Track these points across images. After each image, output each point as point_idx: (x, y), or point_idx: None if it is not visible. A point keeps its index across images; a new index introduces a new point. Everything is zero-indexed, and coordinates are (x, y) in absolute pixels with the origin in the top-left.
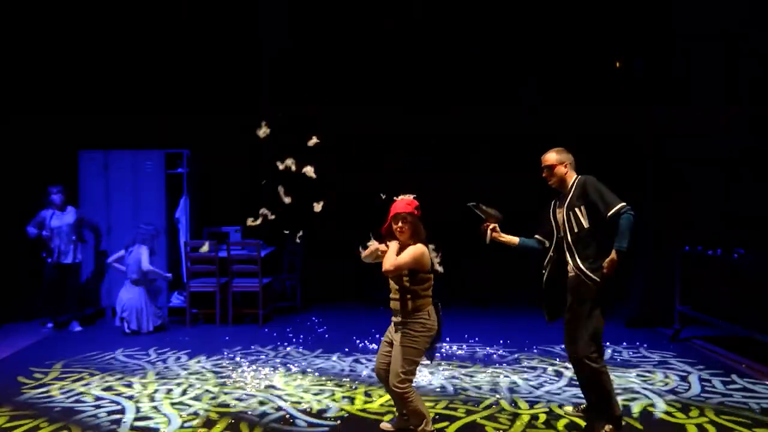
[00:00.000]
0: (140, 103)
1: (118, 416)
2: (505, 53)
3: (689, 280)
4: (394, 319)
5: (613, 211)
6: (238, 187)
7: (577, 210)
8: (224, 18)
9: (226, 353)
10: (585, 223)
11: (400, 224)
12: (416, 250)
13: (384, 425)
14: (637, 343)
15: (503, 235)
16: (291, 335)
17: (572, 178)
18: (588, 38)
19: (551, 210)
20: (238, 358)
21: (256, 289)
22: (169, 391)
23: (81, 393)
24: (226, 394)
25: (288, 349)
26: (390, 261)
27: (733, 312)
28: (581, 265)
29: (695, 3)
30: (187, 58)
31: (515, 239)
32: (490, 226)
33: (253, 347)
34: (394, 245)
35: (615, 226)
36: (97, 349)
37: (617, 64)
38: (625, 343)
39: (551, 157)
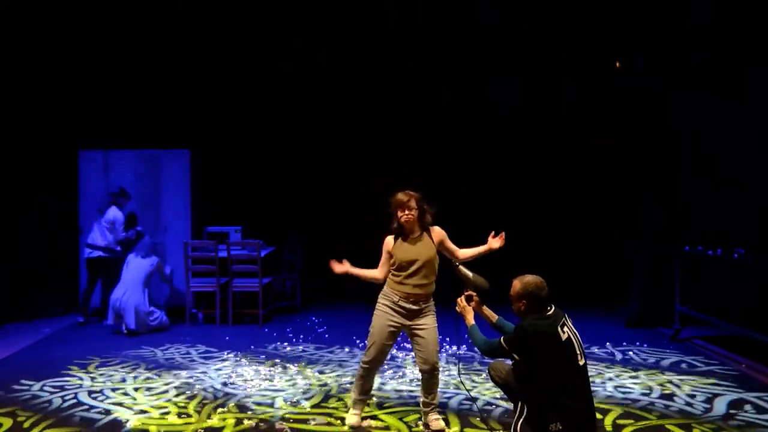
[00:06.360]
0: (140, 103)
1: (118, 417)
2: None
3: (689, 280)
4: (413, 307)
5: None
6: (238, 187)
7: None
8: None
9: (226, 353)
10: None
11: (406, 212)
12: (443, 232)
13: (350, 419)
14: (637, 343)
15: (485, 308)
16: (291, 335)
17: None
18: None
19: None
20: (238, 358)
21: (256, 289)
22: (170, 391)
23: (81, 393)
24: (226, 387)
25: (288, 349)
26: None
27: (733, 312)
28: None
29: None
30: (188, 57)
31: (494, 317)
32: (474, 299)
33: (252, 347)
34: (390, 244)
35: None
36: (97, 349)
37: (617, 64)
38: (625, 343)
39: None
